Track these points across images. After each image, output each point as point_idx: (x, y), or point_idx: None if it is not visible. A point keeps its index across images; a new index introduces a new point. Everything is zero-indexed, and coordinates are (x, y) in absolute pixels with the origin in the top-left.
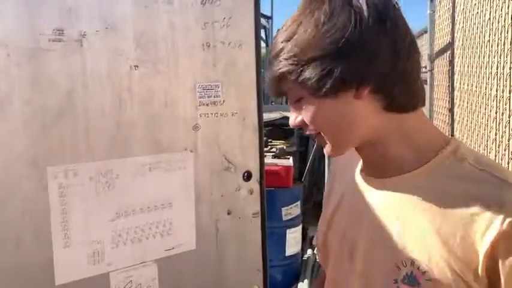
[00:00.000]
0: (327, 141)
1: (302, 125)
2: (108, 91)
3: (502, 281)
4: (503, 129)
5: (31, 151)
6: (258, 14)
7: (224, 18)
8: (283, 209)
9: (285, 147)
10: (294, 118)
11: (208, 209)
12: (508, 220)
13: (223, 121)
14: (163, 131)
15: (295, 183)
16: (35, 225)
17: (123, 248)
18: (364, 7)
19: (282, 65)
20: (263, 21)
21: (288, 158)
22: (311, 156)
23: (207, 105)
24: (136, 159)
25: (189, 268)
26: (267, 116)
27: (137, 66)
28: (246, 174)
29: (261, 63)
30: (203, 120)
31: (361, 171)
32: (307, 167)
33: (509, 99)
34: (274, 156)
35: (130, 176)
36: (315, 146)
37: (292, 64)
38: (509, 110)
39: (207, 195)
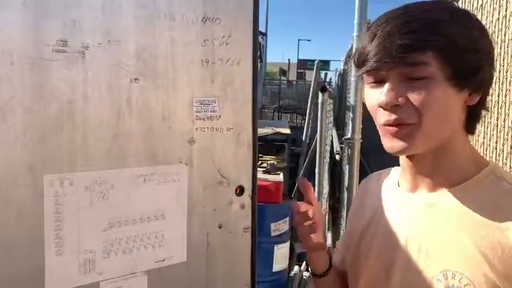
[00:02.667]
0: (418, 132)
1: (397, 108)
2: (107, 102)
3: None
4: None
5: (29, 158)
6: (256, 33)
7: (223, 36)
8: (272, 224)
9: (275, 163)
10: (396, 95)
11: (200, 222)
12: None
13: (218, 136)
14: (159, 144)
15: (285, 199)
16: (28, 232)
17: (114, 258)
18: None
19: (436, 37)
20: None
21: (279, 174)
22: (301, 173)
23: (204, 119)
24: (132, 170)
25: (179, 280)
26: (259, 131)
27: (137, 79)
28: (238, 188)
29: (257, 80)
30: (199, 135)
31: (400, 186)
32: (297, 184)
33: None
34: (265, 172)
35: (125, 187)
36: (306, 162)
37: (450, 42)
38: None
39: (199, 208)
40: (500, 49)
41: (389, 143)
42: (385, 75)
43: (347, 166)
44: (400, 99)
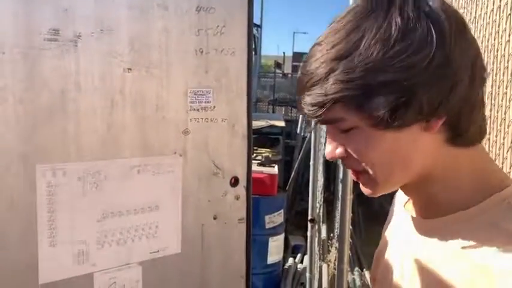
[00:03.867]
0: (375, 179)
1: (343, 158)
2: (100, 92)
3: None
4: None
5: (21, 148)
6: (251, 23)
7: (218, 26)
8: (266, 216)
9: (270, 156)
10: (333, 149)
11: (195, 213)
12: None
13: (213, 127)
14: (153, 135)
15: (280, 191)
16: (20, 222)
17: (108, 249)
18: (443, 17)
19: (335, 90)
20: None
21: (273, 167)
22: (296, 166)
23: (198, 110)
24: (126, 161)
25: (173, 271)
26: (254, 124)
27: (130, 69)
28: (233, 180)
29: (252, 71)
30: (193, 125)
31: (406, 208)
32: (291, 176)
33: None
34: (260, 164)
35: (119, 178)
36: (300, 155)
37: (350, 89)
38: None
39: (194, 199)
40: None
41: (361, 187)
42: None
43: None
44: (337, 152)
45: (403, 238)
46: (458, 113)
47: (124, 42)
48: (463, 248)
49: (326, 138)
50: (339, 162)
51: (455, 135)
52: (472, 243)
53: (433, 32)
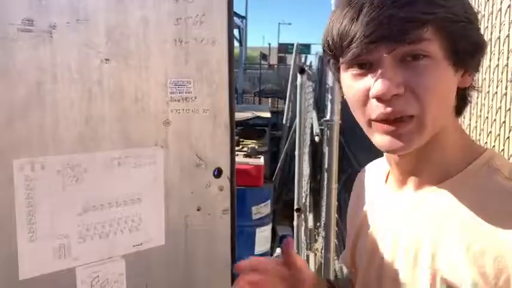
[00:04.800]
0: (423, 122)
1: (396, 98)
2: (77, 84)
3: None
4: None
5: None
6: (231, 12)
7: (197, 15)
8: (253, 208)
9: (256, 147)
10: (393, 84)
11: (178, 204)
12: None
13: (194, 117)
14: (133, 126)
15: (266, 182)
16: None
17: (90, 242)
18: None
19: (440, 11)
20: (237, 20)
21: (260, 158)
22: (282, 156)
23: (179, 101)
24: (106, 153)
25: (158, 264)
26: (240, 116)
27: (108, 60)
28: (216, 171)
29: (233, 61)
30: (174, 116)
31: (388, 184)
32: (278, 167)
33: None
34: (246, 156)
35: (99, 170)
36: (286, 146)
37: (453, 14)
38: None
39: (177, 191)
40: None
41: (384, 143)
42: (376, 59)
43: (327, 148)
44: (398, 87)
45: (390, 215)
46: (473, 80)
47: (101, 32)
48: (454, 211)
49: (381, 73)
50: (325, 151)
51: (462, 104)
52: (461, 205)
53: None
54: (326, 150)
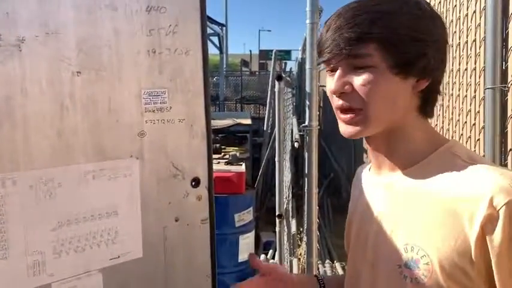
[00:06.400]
0: (367, 116)
1: (346, 94)
2: (48, 97)
3: (493, 261)
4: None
5: None
6: (204, 22)
7: (170, 25)
8: (235, 215)
9: (238, 154)
10: (342, 84)
11: (156, 216)
12: (495, 202)
13: (170, 128)
14: (107, 138)
15: (248, 189)
16: None
17: (65, 257)
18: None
19: (378, 31)
20: (217, 28)
21: (241, 164)
22: (264, 162)
23: (153, 111)
24: (80, 166)
25: (136, 276)
26: (220, 123)
27: (79, 73)
28: (194, 181)
29: (208, 70)
30: (149, 127)
31: (370, 172)
32: (260, 173)
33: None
34: (227, 163)
35: (73, 184)
36: (268, 152)
37: (391, 33)
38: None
39: (154, 202)
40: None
41: (342, 128)
42: (336, 65)
43: (306, 153)
44: (346, 87)
45: (373, 197)
46: (435, 84)
47: (71, 45)
48: (421, 188)
49: (336, 75)
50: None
51: (424, 103)
52: (427, 183)
53: (439, 21)
54: (306, 156)
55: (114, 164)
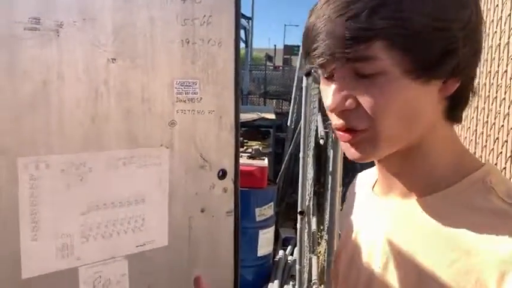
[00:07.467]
0: (377, 137)
1: (348, 112)
2: (84, 83)
3: None
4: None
5: (2, 141)
6: (238, 13)
7: (204, 15)
8: (256, 209)
9: (260, 148)
10: (343, 99)
11: (182, 206)
12: None
13: (200, 118)
14: (139, 126)
15: (270, 184)
16: (1, 217)
17: (93, 242)
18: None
19: (383, 25)
20: (243, 21)
21: (264, 159)
22: (286, 158)
23: (185, 101)
24: (110, 153)
25: (160, 265)
26: (244, 117)
27: (115, 60)
28: (220, 172)
29: (240, 62)
30: (180, 117)
31: (374, 191)
32: (281, 168)
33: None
34: (250, 157)
35: (104, 170)
36: (291, 147)
37: (400, 27)
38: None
39: (181, 192)
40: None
41: (345, 150)
42: (332, 70)
43: (331, 151)
44: (347, 102)
45: (373, 223)
46: (467, 83)
47: (108, 31)
48: (442, 227)
49: (333, 88)
50: (329, 153)
51: (453, 107)
52: (450, 222)
53: (474, 6)
54: (331, 153)
55: (145, 152)
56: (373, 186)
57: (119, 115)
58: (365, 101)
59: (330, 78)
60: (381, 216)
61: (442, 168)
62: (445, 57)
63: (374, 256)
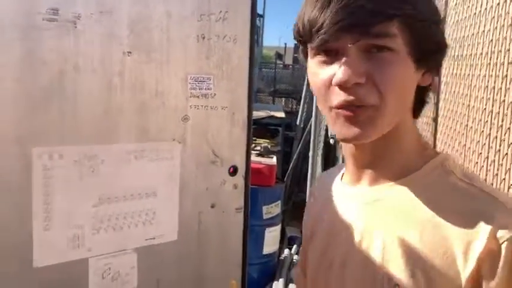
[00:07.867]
0: (381, 112)
1: (360, 84)
2: (99, 75)
3: None
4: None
5: (18, 130)
6: (254, 10)
7: (220, 11)
8: (264, 207)
9: (269, 146)
10: (356, 72)
11: (192, 201)
12: (498, 236)
13: (212, 114)
14: (152, 120)
15: (278, 182)
16: (15, 206)
17: (104, 234)
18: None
19: (409, 6)
20: None
21: (272, 157)
22: (295, 157)
23: (198, 97)
24: (123, 146)
25: (169, 258)
26: (254, 114)
27: (130, 53)
28: (231, 168)
29: (254, 59)
30: (193, 112)
31: (343, 181)
32: (290, 167)
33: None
34: (258, 155)
35: (116, 163)
36: (299, 146)
37: (421, 12)
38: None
39: (191, 187)
40: None
41: (342, 129)
42: (342, 47)
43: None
44: (359, 75)
45: (344, 210)
46: (434, 79)
47: (124, 24)
48: (411, 207)
49: (345, 61)
50: (338, 153)
51: (420, 103)
52: (418, 201)
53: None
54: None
55: (157, 146)
56: (341, 178)
57: (132, 108)
58: (378, 75)
59: (334, 56)
60: (351, 202)
61: (408, 155)
62: (438, 48)
63: (350, 236)
